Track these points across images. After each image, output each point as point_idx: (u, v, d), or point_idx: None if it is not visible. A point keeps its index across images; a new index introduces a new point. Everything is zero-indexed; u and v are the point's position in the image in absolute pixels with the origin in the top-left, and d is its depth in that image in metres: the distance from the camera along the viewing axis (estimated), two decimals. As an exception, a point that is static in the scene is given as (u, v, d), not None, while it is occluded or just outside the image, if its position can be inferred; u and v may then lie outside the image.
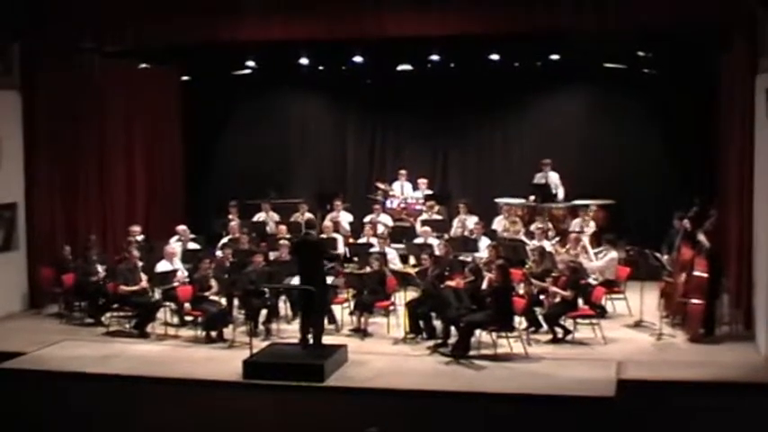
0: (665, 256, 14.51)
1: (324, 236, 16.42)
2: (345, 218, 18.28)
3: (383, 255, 15.21)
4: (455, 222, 17.56)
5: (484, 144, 20.40)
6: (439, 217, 17.89)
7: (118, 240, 16.86)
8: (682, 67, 16.96)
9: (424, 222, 17.24)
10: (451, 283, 13.66)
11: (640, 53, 16.91)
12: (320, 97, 21.25)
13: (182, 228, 16.77)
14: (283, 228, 17.12)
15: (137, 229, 16.71)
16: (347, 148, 21.20)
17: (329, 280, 14.07)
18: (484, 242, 15.93)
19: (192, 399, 11.66)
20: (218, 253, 15.93)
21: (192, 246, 16.44)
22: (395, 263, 15.71)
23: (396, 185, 19.31)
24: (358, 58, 17.79)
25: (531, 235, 16.33)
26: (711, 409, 10.67)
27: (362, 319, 14.14)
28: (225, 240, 16.79)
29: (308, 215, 18.05)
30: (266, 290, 14.16)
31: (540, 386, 11.46)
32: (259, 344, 13.09)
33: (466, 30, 14.90)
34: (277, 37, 15.36)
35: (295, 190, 20.15)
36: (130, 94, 18.07)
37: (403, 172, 19.42)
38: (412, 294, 14.18)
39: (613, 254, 14.98)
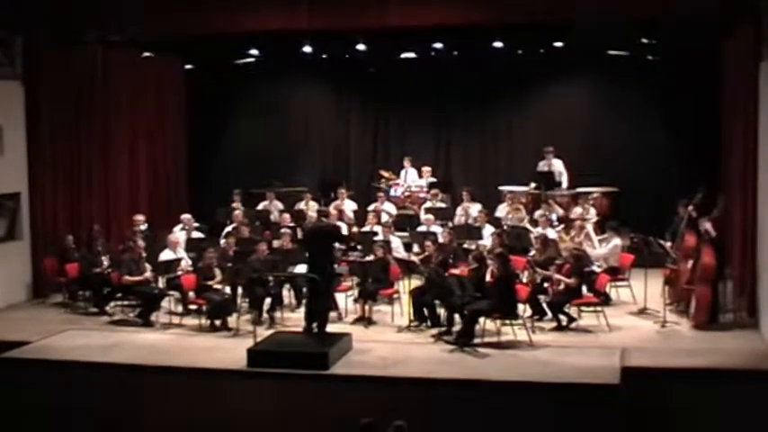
0: (669, 244, 14.49)
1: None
2: (349, 206, 18.26)
3: (387, 243, 15.22)
4: (458, 210, 17.55)
5: (487, 132, 20.38)
6: (442, 205, 17.88)
7: (121, 230, 16.87)
8: (685, 54, 16.90)
9: (428, 210, 17.23)
10: (455, 271, 13.66)
11: (644, 40, 16.86)
12: (323, 85, 21.24)
13: (186, 216, 16.78)
14: (287, 216, 17.10)
15: (140, 218, 16.72)
16: (350, 137, 21.20)
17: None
18: (488, 230, 15.90)
19: (197, 387, 11.68)
20: (222, 242, 15.93)
21: (196, 234, 16.44)
22: (399, 251, 15.71)
23: (400, 173, 19.30)
24: (361, 47, 17.76)
25: (534, 222, 16.33)
26: (715, 397, 10.68)
27: (366, 308, 14.15)
28: (229, 229, 16.78)
29: (312, 204, 18.04)
30: (270, 278, 14.19)
31: (545, 374, 11.44)
32: (263, 332, 13.10)
33: (469, 18, 14.88)
34: (280, 26, 15.34)
35: (299, 178, 20.16)
36: (133, 83, 18.05)
37: (407, 159, 19.41)
38: (416, 282, 14.20)
39: (617, 241, 14.94)
